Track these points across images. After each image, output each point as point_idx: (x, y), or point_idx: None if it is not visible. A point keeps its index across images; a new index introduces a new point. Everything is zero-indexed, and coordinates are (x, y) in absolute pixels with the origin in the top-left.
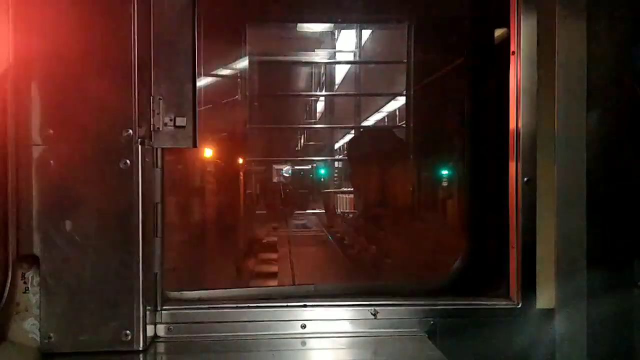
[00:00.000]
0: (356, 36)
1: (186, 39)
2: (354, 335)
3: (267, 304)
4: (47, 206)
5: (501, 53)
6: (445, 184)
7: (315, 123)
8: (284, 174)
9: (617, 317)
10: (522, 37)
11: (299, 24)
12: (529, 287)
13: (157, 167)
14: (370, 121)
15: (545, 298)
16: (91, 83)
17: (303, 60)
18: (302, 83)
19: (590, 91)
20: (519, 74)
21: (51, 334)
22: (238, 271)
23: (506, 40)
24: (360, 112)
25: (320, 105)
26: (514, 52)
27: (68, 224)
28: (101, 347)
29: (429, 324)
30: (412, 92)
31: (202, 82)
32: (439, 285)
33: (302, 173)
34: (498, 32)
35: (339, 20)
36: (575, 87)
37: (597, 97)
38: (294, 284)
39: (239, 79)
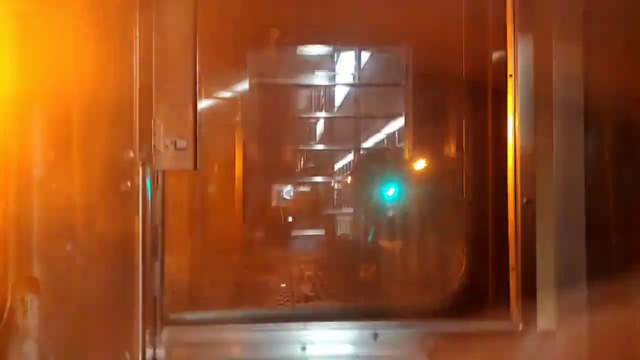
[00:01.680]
0: (355, 59)
1: (187, 62)
2: (354, 358)
3: (267, 325)
4: (48, 228)
5: (499, 76)
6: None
7: (315, 144)
8: (285, 197)
9: (619, 337)
10: (518, 59)
11: (298, 47)
12: (529, 309)
13: (157, 189)
14: (370, 142)
15: (546, 320)
16: (93, 105)
17: (303, 83)
18: (302, 104)
19: (587, 111)
20: (516, 96)
21: (50, 357)
22: None
23: (503, 62)
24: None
25: (320, 127)
26: (511, 75)
27: (68, 246)
28: None
29: (430, 346)
30: (411, 114)
31: (203, 103)
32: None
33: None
34: (495, 55)
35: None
36: (573, 108)
37: (594, 117)
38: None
39: (239, 101)
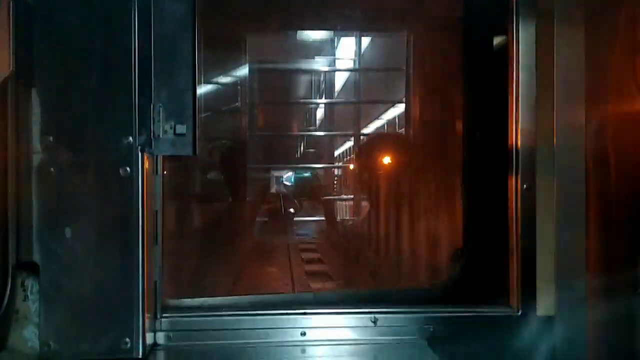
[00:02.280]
0: (355, 44)
1: (186, 47)
2: (354, 343)
3: (267, 311)
4: (47, 213)
5: (500, 60)
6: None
7: (315, 130)
8: (285, 182)
9: (618, 324)
10: (520, 44)
11: (298, 32)
12: (528, 294)
13: (156, 174)
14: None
15: (545, 305)
16: (91, 90)
17: (302, 68)
18: (301, 90)
19: (588, 96)
20: (517, 82)
21: (50, 342)
22: None
23: (504, 47)
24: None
25: (320, 112)
26: (512, 60)
27: (68, 232)
28: (100, 355)
29: (429, 331)
30: (411, 100)
31: (202, 89)
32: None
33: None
34: (496, 40)
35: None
36: (574, 94)
37: (595, 104)
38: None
39: (239, 87)
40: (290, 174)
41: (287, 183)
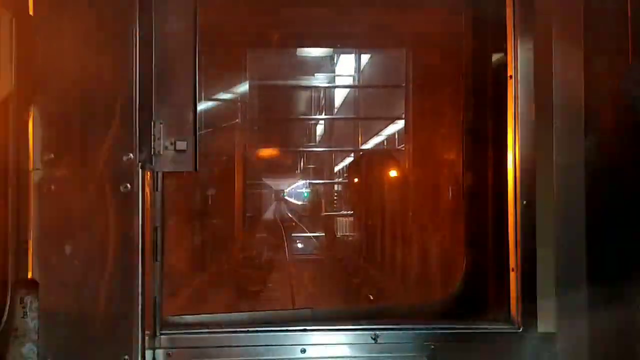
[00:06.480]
0: (355, 60)
1: (187, 64)
2: None
3: (267, 328)
4: (47, 230)
5: (499, 77)
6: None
7: (315, 145)
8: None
9: (619, 340)
10: (519, 61)
11: (298, 49)
12: (529, 311)
13: (157, 190)
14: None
15: (546, 322)
16: (92, 107)
17: (302, 85)
18: (301, 106)
19: (587, 113)
20: (516, 98)
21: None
22: None
23: (503, 64)
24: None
25: (319, 128)
26: (511, 76)
27: (67, 248)
28: None
29: (430, 348)
30: (410, 115)
31: (203, 105)
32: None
33: None
34: (495, 57)
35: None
36: (573, 109)
37: (594, 119)
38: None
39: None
40: (290, 189)
41: (289, 199)
